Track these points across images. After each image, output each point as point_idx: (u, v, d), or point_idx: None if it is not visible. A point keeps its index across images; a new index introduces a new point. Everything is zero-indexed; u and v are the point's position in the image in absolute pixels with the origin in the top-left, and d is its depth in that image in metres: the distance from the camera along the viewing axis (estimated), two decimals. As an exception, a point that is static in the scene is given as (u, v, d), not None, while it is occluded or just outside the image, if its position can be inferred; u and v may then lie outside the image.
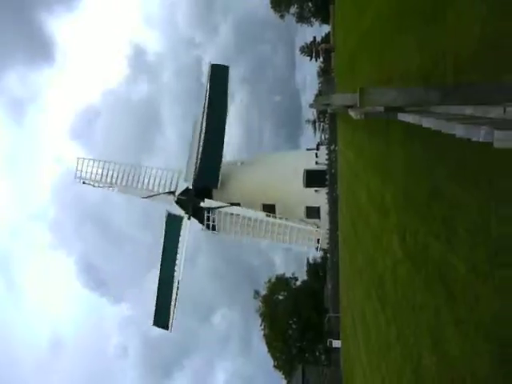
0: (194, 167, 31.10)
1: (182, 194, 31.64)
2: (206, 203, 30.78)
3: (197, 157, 30.84)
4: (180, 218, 31.49)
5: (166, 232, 31.97)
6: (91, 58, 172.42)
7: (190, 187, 31.53)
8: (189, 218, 31.27)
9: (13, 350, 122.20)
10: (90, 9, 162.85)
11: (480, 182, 4.00)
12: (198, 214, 31.56)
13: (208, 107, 30.91)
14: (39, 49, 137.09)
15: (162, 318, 32.30)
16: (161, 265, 31.96)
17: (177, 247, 31.26)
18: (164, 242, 32.03)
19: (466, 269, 4.30)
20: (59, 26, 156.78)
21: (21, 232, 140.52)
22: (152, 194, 31.67)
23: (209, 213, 30.83)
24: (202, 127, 30.76)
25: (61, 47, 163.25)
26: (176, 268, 31.22)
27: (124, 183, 31.98)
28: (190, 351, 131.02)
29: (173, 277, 31.09)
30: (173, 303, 31.54)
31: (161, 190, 31.59)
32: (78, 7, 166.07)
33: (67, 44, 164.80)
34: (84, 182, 32.46)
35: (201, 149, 30.72)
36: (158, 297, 32.15)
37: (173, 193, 31.43)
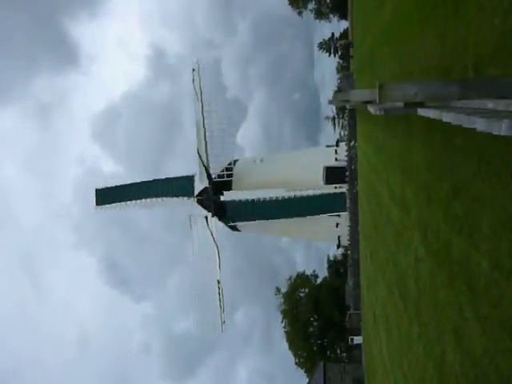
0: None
1: (200, 194, 31.97)
2: (227, 195, 31.04)
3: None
4: (192, 192, 32.17)
5: (174, 179, 33.31)
6: (113, 62, 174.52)
7: (208, 186, 31.82)
8: (212, 216, 31.51)
9: (38, 346, 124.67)
10: (111, 14, 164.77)
11: (503, 177, 3.94)
12: (220, 209, 31.87)
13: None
14: (64, 54, 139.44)
15: (103, 197, 34.34)
16: (148, 182, 34.05)
17: (165, 195, 32.80)
18: (166, 179, 33.64)
19: (489, 265, 4.24)
20: (82, 32, 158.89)
21: (45, 231, 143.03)
22: (204, 158, 32.36)
23: None
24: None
25: (84, 52, 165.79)
26: (157, 199, 32.98)
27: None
28: (212, 348, 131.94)
29: (148, 195, 33.21)
30: (120, 203, 33.58)
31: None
32: (100, 13, 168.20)
33: (90, 48, 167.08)
34: (193, 80, 33.49)
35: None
36: (121, 186, 34.27)
37: (211, 179, 32.00)
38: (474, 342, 4.67)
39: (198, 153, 32.07)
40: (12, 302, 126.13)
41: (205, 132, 31.24)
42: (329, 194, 30.84)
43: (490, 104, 3.59)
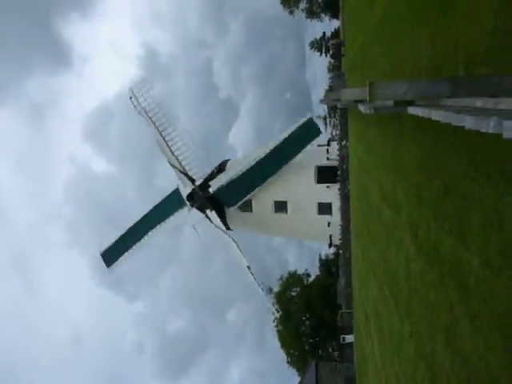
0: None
1: (199, 187, 31.87)
2: (211, 214, 31.49)
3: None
4: (182, 202, 32.29)
5: (164, 200, 33.24)
6: (105, 62, 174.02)
7: (211, 190, 31.70)
8: (211, 210, 31.48)
9: (31, 346, 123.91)
10: (103, 15, 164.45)
11: (492, 176, 3.95)
12: (200, 211, 31.99)
13: (283, 143, 31.30)
14: (56, 55, 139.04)
15: (112, 255, 33.86)
16: (143, 218, 33.44)
17: (163, 221, 32.66)
18: (157, 205, 33.34)
19: (480, 263, 4.26)
20: (75, 33, 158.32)
21: (37, 231, 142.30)
22: (179, 167, 32.13)
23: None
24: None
25: (77, 53, 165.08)
26: (150, 233, 32.95)
27: (165, 134, 32.19)
28: (204, 348, 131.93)
29: (144, 235, 32.88)
30: (129, 252, 33.36)
31: (188, 170, 32.23)
32: (92, 14, 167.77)
33: (83, 49, 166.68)
34: (131, 98, 32.18)
35: (246, 170, 31.13)
36: (122, 236, 33.66)
37: (193, 181, 31.78)
38: (465, 340, 4.68)
39: (171, 164, 32.09)
40: (5, 302, 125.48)
41: (169, 146, 31.45)
42: (299, 127, 30.96)
43: (478, 102, 3.60)
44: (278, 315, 34.02)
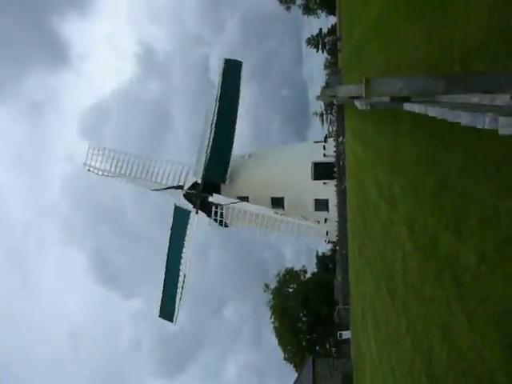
0: (203, 161, 31.11)
1: (190, 188, 31.67)
2: (214, 198, 30.80)
3: (206, 150, 30.84)
4: (188, 212, 31.54)
5: (173, 225, 32.13)
6: (103, 60, 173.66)
7: (199, 181, 31.54)
8: (196, 213, 31.29)
9: (28, 342, 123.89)
10: (101, 13, 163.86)
11: (488, 171, 3.96)
12: (206, 207, 31.60)
13: (220, 101, 30.86)
14: (55, 53, 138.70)
15: (167, 311, 32.55)
16: (167, 257, 32.11)
17: (183, 240, 31.29)
18: (171, 235, 32.19)
19: (476, 259, 4.27)
20: (73, 31, 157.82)
21: (33, 228, 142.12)
22: (161, 187, 31.69)
23: (216, 208, 30.86)
24: (212, 121, 30.76)
25: (75, 51, 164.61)
26: (182, 261, 31.22)
27: (134, 174, 31.95)
28: (202, 344, 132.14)
29: (179, 270, 31.12)
30: (178, 297, 31.54)
31: (169, 184, 31.62)
32: (89, 12, 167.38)
33: (81, 47, 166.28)
34: (89, 170, 32.40)
35: (211, 143, 30.71)
36: (164, 289, 32.34)
37: (181, 187, 31.48)
38: (461, 336, 4.70)
39: (153, 190, 31.94)
40: (0, 298, 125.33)
41: (145, 180, 31.48)
42: (222, 70, 31.33)
43: (474, 98, 3.60)
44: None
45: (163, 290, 32.37)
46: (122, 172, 32.05)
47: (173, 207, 32.05)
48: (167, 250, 32.16)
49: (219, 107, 30.79)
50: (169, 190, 31.62)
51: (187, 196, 31.67)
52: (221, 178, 31.43)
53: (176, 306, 31.82)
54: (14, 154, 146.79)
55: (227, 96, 31.19)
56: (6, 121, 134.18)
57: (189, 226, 31.48)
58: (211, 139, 30.73)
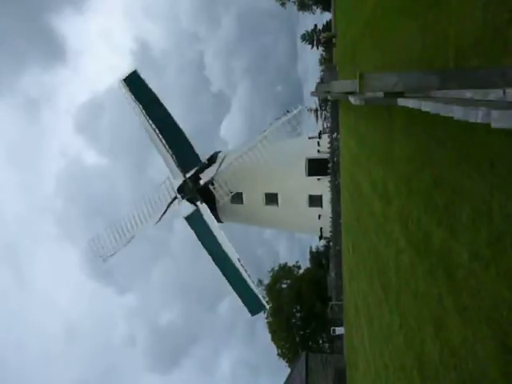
0: (172, 161, 31.00)
1: (181, 191, 31.62)
2: (205, 177, 30.75)
3: (168, 151, 30.76)
4: (197, 211, 31.15)
5: (197, 235, 31.20)
6: (99, 56, 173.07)
7: (184, 179, 31.50)
8: (201, 203, 31.06)
9: (20, 339, 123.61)
10: (97, 10, 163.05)
11: (482, 167, 3.97)
12: (207, 195, 31.39)
13: (147, 112, 30.63)
14: (51, 49, 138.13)
15: (254, 305, 31.48)
16: (218, 266, 30.82)
17: (213, 237, 30.57)
18: (203, 244, 31.17)
19: (469, 255, 4.28)
20: (69, 27, 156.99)
21: (28, 223, 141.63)
22: (159, 214, 31.44)
23: (213, 184, 30.80)
24: (153, 129, 30.66)
25: (71, 47, 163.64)
26: (228, 255, 30.31)
27: (135, 228, 31.63)
28: (196, 339, 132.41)
29: (233, 265, 30.14)
30: (251, 285, 30.81)
31: (164, 205, 31.54)
32: (86, 8, 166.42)
33: (77, 44, 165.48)
34: (105, 259, 31.87)
35: (166, 144, 30.58)
36: (237, 292, 31.01)
37: (175, 198, 31.40)
38: (453, 332, 4.72)
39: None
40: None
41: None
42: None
43: (468, 94, 3.60)
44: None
45: (238, 294, 31.14)
46: (126, 235, 31.56)
47: (185, 222, 31.58)
48: (212, 260, 30.91)
49: (149, 116, 30.58)
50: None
51: (183, 184, 31.66)
52: (197, 160, 31.22)
53: (256, 293, 31.06)
54: (8, 149, 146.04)
55: (149, 103, 30.76)
56: (2, 117, 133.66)
57: (207, 220, 30.89)
58: (164, 141, 30.75)
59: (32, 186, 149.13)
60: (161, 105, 31.00)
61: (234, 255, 30.07)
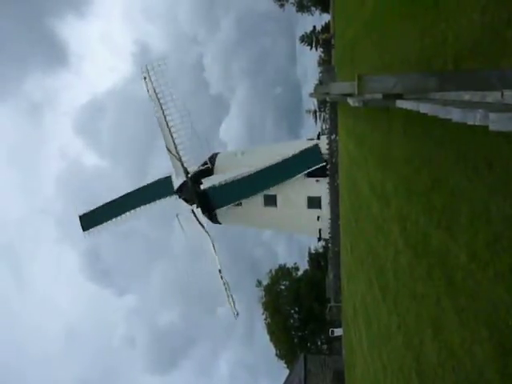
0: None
1: (181, 190, 31.71)
2: (206, 183, 30.84)
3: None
4: (172, 190, 32.25)
5: (151, 183, 32.99)
6: (101, 59, 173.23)
7: (185, 179, 31.61)
8: (197, 207, 31.16)
9: (20, 340, 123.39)
10: (98, 14, 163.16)
11: (479, 169, 3.98)
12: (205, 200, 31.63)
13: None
14: (53, 53, 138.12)
15: (88, 221, 33.58)
16: (127, 194, 33.36)
17: (146, 202, 32.44)
18: (143, 187, 33.16)
19: (467, 257, 4.29)
20: (70, 31, 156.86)
21: (27, 225, 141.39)
22: (175, 154, 31.77)
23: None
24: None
25: (72, 51, 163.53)
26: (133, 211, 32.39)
27: (169, 118, 31.69)
28: (194, 341, 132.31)
29: (124, 210, 32.77)
30: (106, 223, 33.01)
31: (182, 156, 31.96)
32: (88, 13, 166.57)
33: (78, 47, 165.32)
34: (147, 79, 32.13)
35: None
36: (102, 206, 33.51)
37: (188, 172, 31.75)
38: (452, 333, 4.73)
39: (168, 149, 31.72)
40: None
41: (169, 128, 30.95)
42: (305, 150, 30.95)
43: (466, 96, 3.61)
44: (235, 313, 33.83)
45: (104, 206, 33.53)
46: (164, 104, 31.56)
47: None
48: (134, 190, 33.43)
49: (280, 165, 31.17)
50: (175, 163, 31.88)
51: (183, 184, 31.80)
52: (219, 204, 32.10)
53: (99, 226, 33.17)
54: (11, 152, 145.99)
55: (292, 165, 31.30)
56: (5, 121, 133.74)
57: (161, 200, 32.71)
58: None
59: (32, 187, 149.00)
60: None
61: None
